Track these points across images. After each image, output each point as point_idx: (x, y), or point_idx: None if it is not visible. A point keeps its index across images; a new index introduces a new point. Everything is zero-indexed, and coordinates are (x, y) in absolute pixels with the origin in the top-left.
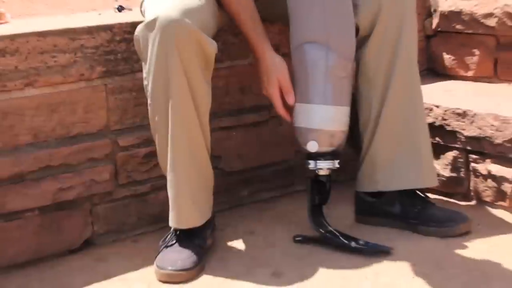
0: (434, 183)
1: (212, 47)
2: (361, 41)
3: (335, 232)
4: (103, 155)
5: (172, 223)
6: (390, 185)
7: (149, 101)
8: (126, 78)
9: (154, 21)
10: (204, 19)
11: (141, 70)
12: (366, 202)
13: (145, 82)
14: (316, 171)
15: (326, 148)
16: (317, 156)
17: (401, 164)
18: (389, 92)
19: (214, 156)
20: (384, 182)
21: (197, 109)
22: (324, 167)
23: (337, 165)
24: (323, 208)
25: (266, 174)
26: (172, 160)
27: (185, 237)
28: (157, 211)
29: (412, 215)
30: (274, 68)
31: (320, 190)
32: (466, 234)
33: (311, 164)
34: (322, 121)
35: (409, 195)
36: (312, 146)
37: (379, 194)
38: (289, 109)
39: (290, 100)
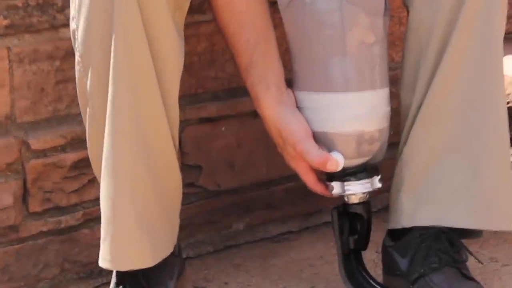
0: (498, 226)
1: None
2: None
3: None
4: (3, 165)
5: (102, 261)
6: (413, 218)
7: (77, 57)
8: (43, 37)
9: None
10: None
11: (67, 24)
12: (386, 251)
13: (72, 25)
14: (346, 199)
15: (356, 161)
16: (344, 174)
17: (441, 186)
18: (442, 63)
19: (189, 166)
20: (407, 213)
21: (159, 72)
22: (357, 191)
23: (379, 185)
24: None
25: (274, 196)
26: (109, 155)
27: None
28: (94, 257)
29: (412, 277)
30: (284, 131)
31: (354, 227)
32: None
33: (336, 187)
34: (345, 118)
35: (442, 241)
36: (336, 162)
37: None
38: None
39: (330, 167)
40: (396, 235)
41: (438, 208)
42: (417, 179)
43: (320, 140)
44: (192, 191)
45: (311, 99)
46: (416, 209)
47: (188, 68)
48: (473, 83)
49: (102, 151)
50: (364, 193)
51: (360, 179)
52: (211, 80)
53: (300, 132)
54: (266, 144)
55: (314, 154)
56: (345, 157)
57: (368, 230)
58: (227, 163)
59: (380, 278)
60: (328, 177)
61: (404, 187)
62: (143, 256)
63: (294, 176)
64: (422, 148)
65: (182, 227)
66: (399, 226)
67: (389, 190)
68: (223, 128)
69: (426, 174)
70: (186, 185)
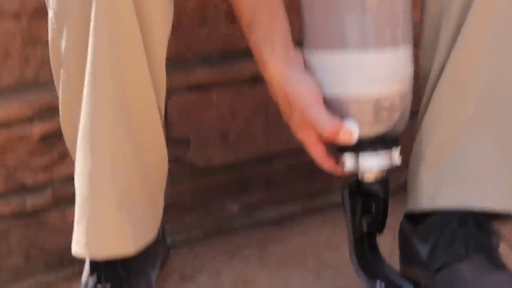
0: None
1: None
2: None
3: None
4: None
5: (77, 247)
6: (435, 199)
7: (50, 15)
8: None
9: None
10: None
11: None
12: (403, 236)
13: None
14: (360, 175)
15: (374, 130)
16: (359, 146)
17: (467, 161)
18: (466, 21)
19: (176, 138)
20: (428, 193)
21: (145, 33)
22: (374, 166)
23: (398, 162)
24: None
25: (274, 173)
26: (87, 125)
27: (113, 284)
28: (64, 243)
29: (434, 266)
30: (292, 95)
31: (368, 208)
32: None
33: (349, 162)
34: (362, 81)
35: (469, 225)
36: (350, 131)
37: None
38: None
39: (343, 137)
40: (416, 218)
41: (464, 187)
42: (440, 153)
43: (332, 105)
44: (179, 168)
45: (323, 59)
46: (439, 188)
47: (175, 28)
48: (502, 44)
49: (77, 121)
50: (381, 169)
51: (377, 153)
52: (202, 41)
53: (309, 96)
54: (265, 114)
55: (325, 121)
56: (362, 126)
57: (385, 210)
58: (219, 136)
59: (397, 267)
60: (339, 149)
61: (424, 162)
62: (123, 241)
63: (297, 151)
64: (444, 118)
65: (167, 209)
66: (418, 208)
67: (407, 165)
68: (215, 96)
69: (449, 147)
70: (172, 160)
